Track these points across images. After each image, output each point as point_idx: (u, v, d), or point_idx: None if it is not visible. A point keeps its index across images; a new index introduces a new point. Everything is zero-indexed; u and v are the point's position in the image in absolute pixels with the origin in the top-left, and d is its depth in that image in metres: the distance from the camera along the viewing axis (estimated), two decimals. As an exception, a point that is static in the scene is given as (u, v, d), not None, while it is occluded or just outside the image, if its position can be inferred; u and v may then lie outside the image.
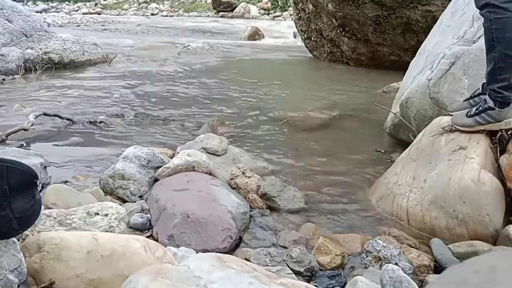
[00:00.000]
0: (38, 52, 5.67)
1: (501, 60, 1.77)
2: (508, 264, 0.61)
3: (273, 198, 2.03)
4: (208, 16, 19.60)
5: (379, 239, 1.64)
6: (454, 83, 2.33)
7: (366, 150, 2.87)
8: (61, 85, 4.77)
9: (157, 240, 1.59)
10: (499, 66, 1.78)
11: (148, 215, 1.80)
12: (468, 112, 1.96)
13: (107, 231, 1.47)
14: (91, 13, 21.29)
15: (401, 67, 4.22)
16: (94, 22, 15.33)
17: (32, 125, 3.02)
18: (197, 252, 1.35)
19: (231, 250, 1.63)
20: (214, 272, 0.99)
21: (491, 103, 1.85)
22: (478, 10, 1.85)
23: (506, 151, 1.83)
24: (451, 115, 2.07)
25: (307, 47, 7.66)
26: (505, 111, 1.83)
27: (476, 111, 1.91)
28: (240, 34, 11.11)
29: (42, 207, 1.37)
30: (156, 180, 2.10)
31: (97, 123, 3.30)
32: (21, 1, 21.43)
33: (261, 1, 19.94)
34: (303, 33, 7.60)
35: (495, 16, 1.75)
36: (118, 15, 21.19)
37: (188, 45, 7.91)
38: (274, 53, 8.13)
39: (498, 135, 1.90)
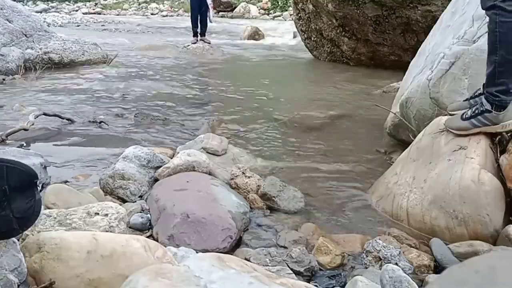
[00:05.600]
0: (38, 52, 5.67)
1: (501, 64, 1.75)
2: (508, 264, 0.61)
3: (273, 198, 2.03)
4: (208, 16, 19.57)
5: (379, 239, 1.64)
6: (454, 83, 2.33)
7: (366, 150, 2.87)
8: (61, 85, 4.77)
9: (157, 240, 1.59)
10: (499, 70, 1.77)
11: (148, 215, 1.80)
12: (463, 114, 1.94)
13: (107, 231, 1.47)
14: (91, 13, 21.27)
15: (401, 67, 4.22)
16: (94, 22, 15.33)
17: (32, 125, 3.02)
18: (197, 252, 1.35)
19: (231, 250, 1.63)
20: (214, 272, 0.99)
21: (487, 106, 1.84)
22: (485, 11, 1.82)
23: (506, 151, 1.83)
24: (451, 115, 2.07)
25: (307, 47, 7.66)
26: (501, 114, 1.82)
27: (472, 114, 1.89)
28: (240, 34, 11.11)
29: (42, 207, 1.37)
30: (156, 180, 2.10)
31: (97, 123, 3.30)
32: (21, 1, 21.41)
33: (261, 1, 19.93)
34: (303, 33, 7.60)
35: (501, 19, 1.72)
36: (118, 15, 21.17)
37: (188, 45, 7.92)
38: (274, 53, 8.14)
39: (498, 135, 1.90)
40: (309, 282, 1.43)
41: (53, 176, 2.17)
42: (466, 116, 1.92)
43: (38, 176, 1.24)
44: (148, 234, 1.69)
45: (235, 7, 19.52)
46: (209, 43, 8.10)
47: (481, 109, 1.86)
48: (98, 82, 4.97)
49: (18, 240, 1.24)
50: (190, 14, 8.31)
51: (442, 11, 3.20)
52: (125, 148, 2.24)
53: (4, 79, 4.80)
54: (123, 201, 1.96)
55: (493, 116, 1.83)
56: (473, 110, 1.90)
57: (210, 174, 2.14)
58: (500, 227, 1.65)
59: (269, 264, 1.50)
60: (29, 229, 1.29)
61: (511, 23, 1.71)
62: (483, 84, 1.95)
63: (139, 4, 24.81)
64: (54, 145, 2.88)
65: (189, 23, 8.52)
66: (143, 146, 2.29)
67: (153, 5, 24.11)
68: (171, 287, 0.92)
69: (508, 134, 1.87)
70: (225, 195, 1.91)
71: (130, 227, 1.71)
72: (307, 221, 1.92)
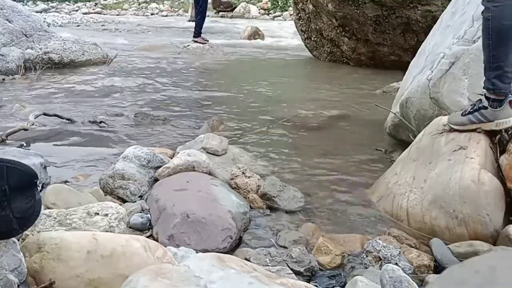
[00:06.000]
0: (38, 52, 5.66)
1: (495, 48, 1.81)
2: (508, 264, 0.61)
3: (273, 198, 2.03)
4: (208, 16, 19.54)
5: (379, 239, 1.64)
6: (454, 83, 2.33)
7: (366, 150, 2.87)
8: (61, 85, 4.77)
9: (157, 240, 1.59)
10: (493, 54, 1.82)
11: (148, 215, 1.80)
12: (463, 111, 1.99)
13: (107, 231, 1.47)
14: (91, 13, 21.25)
15: (401, 67, 4.22)
16: (94, 22, 15.31)
17: (32, 125, 3.02)
18: (197, 252, 1.35)
19: (231, 250, 1.63)
20: (214, 272, 0.99)
21: (485, 103, 1.88)
22: (481, 2, 1.89)
23: (506, 151, 1.83)
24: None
25: (307, 47, 7.66)
26: (497, 111, 1.85)
27: (471, 110, 1.95)
28: (240, 34, 11.11)
29: (42, 207, 1.37)
30: (156, 180, 2.10)
31: (97, 123, 3.30)
32: (21, 1, 21.38)
33: (261, 1, 19.94)
34: (303, 33, 7.60)
35: (493, 4, 1.80)
36: (118, 15, 21.14)
37: (188, 45, 7.92)
38: (274, 53, 8.13)
39: (498, 135, 1.90)
40: (309, 282, 1.43)
41: (53, 176, 2.17)
42: (465, 112, 1.97)
43: (38, 176, 1.24)
44: (148, 234, 1.69)
45: (235, 7, 19.52)
46: (207, 41, 8.08)
47: (479, 105, 1.91)
48: (98, 82, 4.97)
49: (18, 240, 1.24)
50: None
51: (442, 11, 3.20)
52: (125, 148, 2.24)
53: (4, 79, 4.80)
54: (123, 201, 1.96)
55: (489, 113, 1.87)
56: (472, 106, 1.96)
57: (210, 174, 2.14)
58: (500, 227, 1.65)
59: (269, 264, 1.49)
60: (29, 229, 1.29)
61: (502, 7, 1.78)
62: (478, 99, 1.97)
63: (139, 4, 24.79)
64: (54, 145, 2.87)
65: (189, 24, 8.53)
66: (143, 146, 2.29)
67: (153, 5, 24.09)
68: (171, 287, 0.92)
69: (509, 133, 1.87)
70: (225, 195, 1.91)
71: (130, 227, 1.71)
72: (307, 221, 1.92)
